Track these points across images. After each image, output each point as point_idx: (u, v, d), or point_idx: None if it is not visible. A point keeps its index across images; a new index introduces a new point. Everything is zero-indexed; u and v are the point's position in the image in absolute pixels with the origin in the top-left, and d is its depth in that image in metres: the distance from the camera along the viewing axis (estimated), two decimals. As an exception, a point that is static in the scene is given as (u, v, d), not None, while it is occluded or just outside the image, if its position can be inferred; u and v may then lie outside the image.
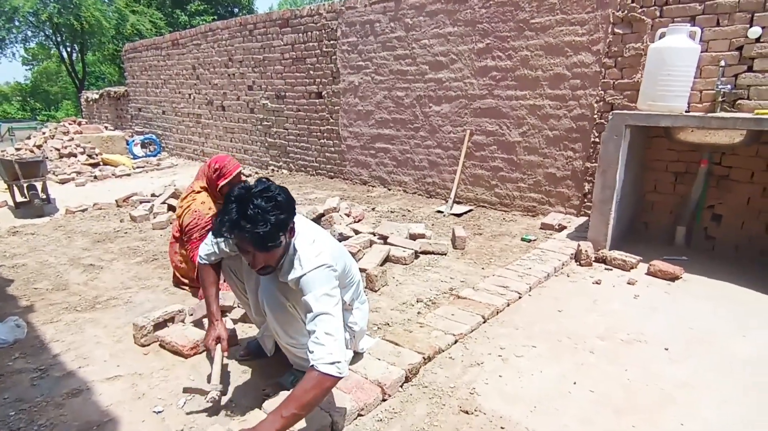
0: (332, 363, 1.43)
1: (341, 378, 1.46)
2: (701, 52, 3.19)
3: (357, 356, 2.03)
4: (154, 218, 4.52)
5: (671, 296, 2.74)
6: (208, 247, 1.94)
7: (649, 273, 3.04)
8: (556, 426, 1.65)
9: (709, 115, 2.97)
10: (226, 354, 1.96)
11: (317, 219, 4.12)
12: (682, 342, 2.22)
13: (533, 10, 4.08)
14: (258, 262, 1.58)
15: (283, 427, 1.38)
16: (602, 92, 3.82)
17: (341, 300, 1.67)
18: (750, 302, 2.65)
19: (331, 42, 5.84)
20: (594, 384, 1.90)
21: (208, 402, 1.78)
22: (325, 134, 6.32)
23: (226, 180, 2.75)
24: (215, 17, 20.28)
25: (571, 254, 3.29)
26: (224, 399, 1.87)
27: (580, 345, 2.21)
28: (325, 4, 5.89)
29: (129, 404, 1.85)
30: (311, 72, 6.23)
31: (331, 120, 6.16)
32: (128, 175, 7.65)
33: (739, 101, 3.13)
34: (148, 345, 2.28)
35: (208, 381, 1.85)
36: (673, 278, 2.95)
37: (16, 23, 16.92)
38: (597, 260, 3.27)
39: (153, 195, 5.39)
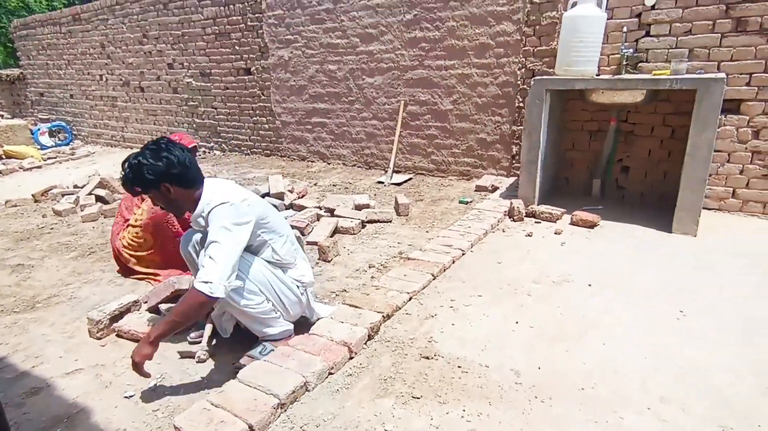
0: (205, 283, 1.66)
1: (213, 297, 1.67)
2: (608, 19, 3.52)
3: (311, 322, 2.18)
4: (82, 210, 4.25)
5: (591, 241, 3.11)
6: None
7: (572, 223, 3.40)
8: (504, 358, 1.89)
9: (616, 77, 3.32)
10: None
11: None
12: (600, 278, 2.57)
13: (456, -20, 4.23)
14: (151, 201, 1.95)
15: (165, 330, 1.71)
16: (524, 59, 4.10)
17: (260, 243, 1.94)
18: (652, 241, 3.08)
19: (257, 15, 5.64)
20: (532, 321, 2.17)
21: (197, 361, 1.99)
22: (257, 112, 6.17)
23: (191, 147, 2.83)
24: (117, -12, 18.41)
25: (505, 212, 3.59)
26: (198, 376, 1.92)
27: (519, 289, 2.48)
28: (245, -25, 5.65)
29: (97, 394, 1.85)
30: (237, 48, 6.00)
31: (263, 96, 6.01)
32: (39, 167, 6.99)
33: (640, 64, 3.52)
34: (106, 337, 2.24)
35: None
36: (592, 225, 3.33)
37: None
38: (528, 215, 3.59)
39: (76, 187, 5.03)
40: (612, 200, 3.88)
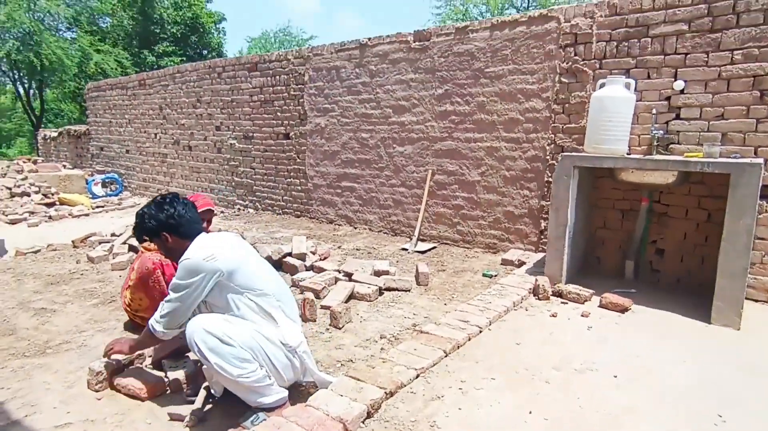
0: (155, 321, 2.04)
1: (153, 332, 2.05)
2: (637, 100, 3.53)
3: (314, 390, 2.09)
4: (114, 258, 4.40)
5: (621, 326, 2.89)
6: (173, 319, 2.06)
7: (601, 306, 3.20)
8: (513, 455, 1.70)
9: (645, 157, 3.26)
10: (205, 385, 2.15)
11: (280, 261, 4.10)
12: (629, 370, 2.35)
13: (488, 60, 4.41)
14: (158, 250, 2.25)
15: (133, 348, 2.22)
16: (553, 136, 4.12)
17: (229, 295, 1.99)
18: (689, 332, 2.82)
19: (299, 86, 6.04)
20: (548, 412, 1.97)
21: (185, 425, 1.96)
22: (291, 174, 6.41)
23: (209, 210, 3.01)
24: (184, 59, 20.45)
25: (530, 289, 3.43)
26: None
27: (537, 375, 2.29)
28: (293, 50, 6.13)
29: (79, 452, 1.78)
30: (279, 114, 6.38)
31: (298, 160, 6.27)
32: (87, 215, 7.42)
33: (671, 145, 3.45)
34: (103, 390, 2.20)
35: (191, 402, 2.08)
36: (623, 309, 3.11)
37: (-28, 59, 16.53)
38: (554, 294, 3.41)
39: (113, 235, 5.26)
40: (646, 284, 3.65)
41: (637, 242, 3.68)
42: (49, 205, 7.93)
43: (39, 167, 9.88)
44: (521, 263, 4.11)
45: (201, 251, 1.97)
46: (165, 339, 2.11)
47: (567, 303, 3.28)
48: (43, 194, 8.27)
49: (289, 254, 4.17)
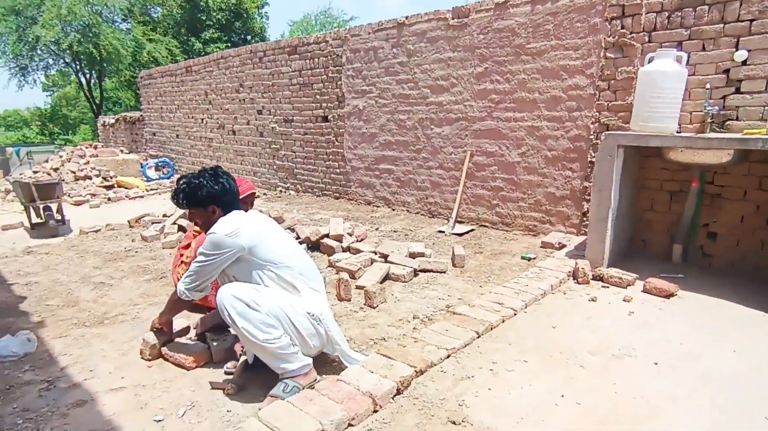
0: (181, 283, 2.14)
1: (179, 295, 2.14)
2: (689, 75, 3.29)
3: (344, 366, 2.15)
4: (165, 237, 4.66)
5: (665, 312, 2.77)
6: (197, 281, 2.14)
7: (645, 290, 3.07)
8: (541, 436, 1.70)
9: (697, 135, 3.05)
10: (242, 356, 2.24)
11: (318, 242, 4.21)
12: (671, 357, 2.25)
13: (529, 35, 4.24)
14: (189, 216, 2.24)
15: (160, 316, 2.34)
16: (597, 114, 3.93)
17: (251, 268, 2.06)
18: (742, 319, 2.66)
19: (337, 68, 6.06)
20: (581, 397, 1.93)
21: (226, 394, 2.06)
22: (330, 156, 6.49)
23: (252, 193, 3.11)
24: (229, 44, 20.95)
25: (569, 272, 3.34)
26: (225, 409, 1.94)
27: (571, 359, 2.25)
28: (331, 32, 6.14)
29: (131, 413, 1.93)
30: (318, 97, 6.44)
31: (337, 143, 6.33)
32: (141, 197, 7.87)
33: (728, 122, 3.21)
34: (154, 359, 2.37)
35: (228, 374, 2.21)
36: (669, 295, 2.97)
37: (38, 51, 17.65)
38: (594, 278, 3.31)
39: (164, 216, 5.56)
40: (695, 269, 3.46)
41: (687, 225, 3.48)
42: (108, 187, 8.47)
43: (99, 152, 10.54)
44: (562, 246, 3.99)
45: (226, 226, 2.04)
46: (185, 300, 2.16)
47: (608, 287, 3.17)
48: (102, 178, 8.84)
49: (327, 236, 4.25)
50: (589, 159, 4.05)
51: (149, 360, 2.37)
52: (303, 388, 1.95)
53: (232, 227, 2.03)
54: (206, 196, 2.13)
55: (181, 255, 2.97)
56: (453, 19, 4.76)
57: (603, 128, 3.88)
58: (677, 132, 3.25)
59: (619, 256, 3.56)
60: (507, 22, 4.36)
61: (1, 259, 4.28)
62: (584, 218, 4.16)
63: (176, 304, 2.25)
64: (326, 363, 2.25)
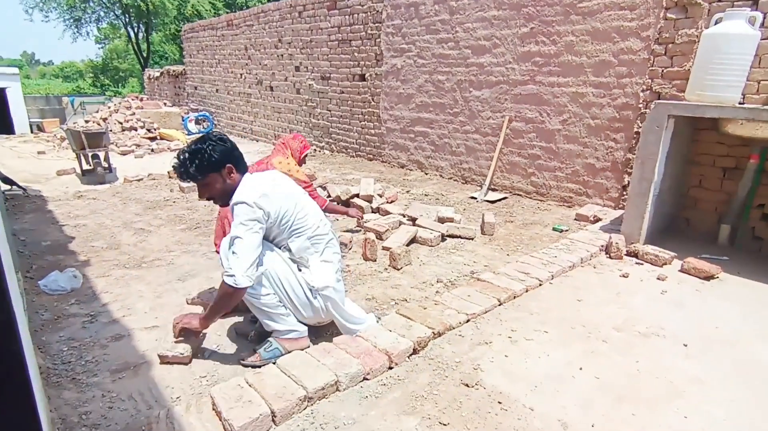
0: (230, 276, 1.81)
1: (236, 287, 1.81)
2: (761, 39, 2.98)
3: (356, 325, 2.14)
4: (201, 189, 4.81)
5: (702, 294, 2.65)
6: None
7: (682, 270, 2.93)
8: (554, 406, 1.69)
9: (762, 107, 2.79)
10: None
11: (347, 201, 4.23)
12: (703, 339, 2.17)
13: (582, -7, 3.94)
14: (200, 193, 1.99)
15: (209, 316, 1.93)
16: (649, 81, 3.66)
17: (266, 233, 1.96)
18: (788, 307, 2.51)
19: (376, 24, 5.88)
20: (600, 372, 1.90)
21: (249, 340, 2.13)
22: (366, 117, 6.42)
23: (308, 151, 3.23)
24: (271, -1, 20.72)
25: (602, 246, 3.23)
26: (244, 356, 2.04)
27: (594, 334, 2.20)
28: (372, -14, 5.92)
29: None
30: (356, 54, 6.31)
31: (373, 103, 6.23)
32: (182, 149, 8.10)
33: (799, 93, 2.92)
34: (189, 304, 2.49)
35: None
36: (708, 277, 2.83)
37: (90, 4, 18.08)
38: (628, 254, 3.18)
39: (201, 169, 5.71)
40: (743, 252, 3.26)
41: (740, 204, 3.26)
42: (152, 139, 8.76)
43: (144, 104, 10.84)
44: (597, 220, 3.85)
45: (255, 189, 1.92)
46: (242, 288, 1.84)
47: (642, 264, 3.05)
48: (147, 129, 9.14)
49: (357, 196, 4.27)
50: (635, 130, 3.81)
51: (183, 304, 2.49)
52: (285, 352, 1.95)
53: (262, 189, 1.92)
54: (220, 155, 1.92)
55: (224, 226, 2.75)
56: (501, -27, 4.47)
57: (654, 97, 3.62)
58: (740, 103, 2.99)
59: (657, 233, 3.40)
60: (559, -22, 4.06)
61: (54, 201, 4.56)
62: (624, 192, 3.97)
63: (231, 298, 1.87)
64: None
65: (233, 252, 1.83)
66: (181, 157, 1.93)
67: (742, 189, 3.22)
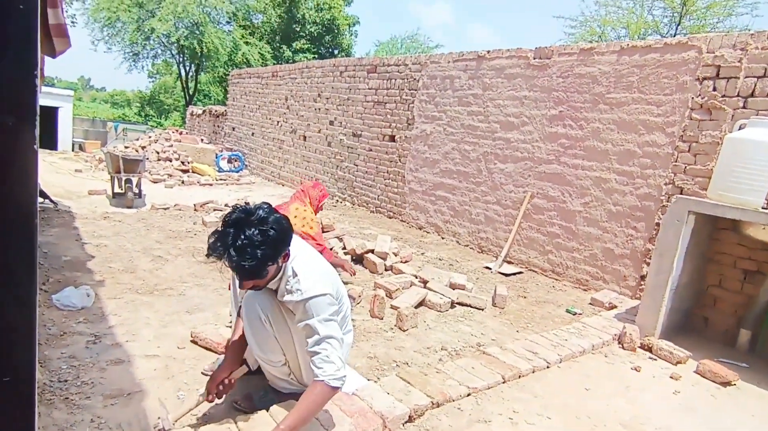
0: (339, 379, 1.64)
1: (337, 387, 1.63)
2: (786, 149, 3.04)
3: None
4: (222, 225, 4.93)
5: (717, 401, 2.52)
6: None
7: (697, 372, 2.82)
8: (550, 500, 1.60)
9: (784, 214, 2.79)
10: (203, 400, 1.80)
11: (362, 256, 4.26)
12: (715, 450, 2.05)
13: (610, 85, 4.12)
14: (245, 285, 1.67)
15: (295, 424, 1.55)
16: (672, 175, 3.72)
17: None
18: (810, 427, 2.36)
19: (412, 91, 6.20)
20: (602, 469, 1.80)
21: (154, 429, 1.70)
22: (390, 175, 6.60)
23: (326, 198, 3.29)
24: (316, 56, 22.05)
25: (615, 335, 3.14)
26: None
27: (599, 427, 2.10)
28: (411, 56, 6.31)
29: (158, 381, 2.05)
30: (389, 116, 6.61)
31: (399, 163, 6.43)
32: (210, 185, 8.40)
33: (823, 206, 2.92)
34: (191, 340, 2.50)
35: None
36: (725, 382, 2.71)
37: (151, 41, 19.56)
38: (642, 347, 3.09)
39: (226, 205, 5.89)
40: (764, 360, 3.13)
41: (761, 310, 3.17)
42: (184, 171, 9.12)
43: (182, 138, 11.38)
44: (612, 307, 3.77)
45: (325, 276, 1.76)
46: (337, 387, 1.64)
47: (656, 360, 2.95)
48: (181, 161, 9.53)
49: (372, 251, 4.31)
50: (656, 221, 3.82)
51: (187, 338, 2.49)
52: (278, 402, 1.86)
53: (329, 279, 1.76)
54: (285, 242, 1.63)
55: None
56: (534, 59, 4.74)
57: (676, 191, 3.66)
58: (764, 208, 3.00)
59: (673, 329, 3.30)
60: (589, 69, 4.27)
61: (81, 219, 4.73)
62: (642, 282, 3.90)
63: (324, 398, 1.62)
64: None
65: (336, 354, 1.62)
66: (242, 246, 1.50)
67: (764, 294, 3.14)
